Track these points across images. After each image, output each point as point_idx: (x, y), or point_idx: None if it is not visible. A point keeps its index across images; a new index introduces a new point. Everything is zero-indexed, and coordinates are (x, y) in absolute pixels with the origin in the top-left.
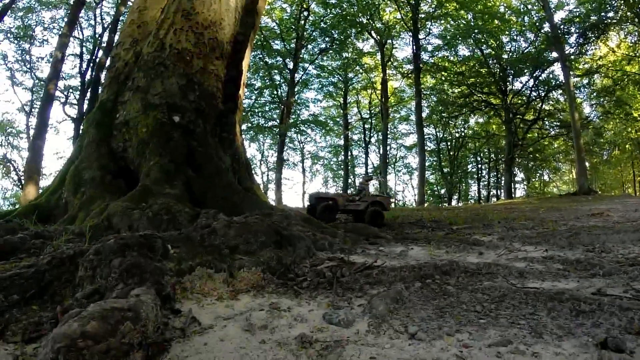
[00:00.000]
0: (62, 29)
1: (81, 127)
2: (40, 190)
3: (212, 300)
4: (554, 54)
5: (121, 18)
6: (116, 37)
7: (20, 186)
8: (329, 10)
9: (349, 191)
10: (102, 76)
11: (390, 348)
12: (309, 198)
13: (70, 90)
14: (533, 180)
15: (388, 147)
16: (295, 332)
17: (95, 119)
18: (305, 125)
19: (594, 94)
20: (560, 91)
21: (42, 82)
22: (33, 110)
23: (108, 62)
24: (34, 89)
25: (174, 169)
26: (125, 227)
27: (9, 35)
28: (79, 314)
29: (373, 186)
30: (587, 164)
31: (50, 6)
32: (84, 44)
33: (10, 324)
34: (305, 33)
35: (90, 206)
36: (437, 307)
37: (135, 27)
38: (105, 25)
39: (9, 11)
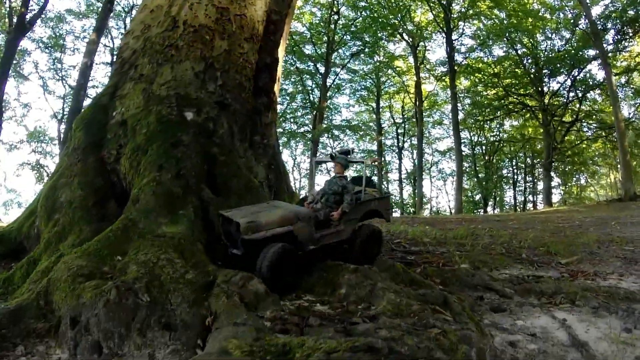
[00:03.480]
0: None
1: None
2: None
3: None
4: (592, 52)
5: None
6: None
7: None
8: (359, 13)
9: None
10: None
11: None
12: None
13: None
14: (570, 184)
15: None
16: None
17: (84, 119)
18: (339, 130)
19: (632, 93)
20: (598, 91)
21: (73, 90)
22: (64, 118)
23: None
24: (65, 97)
25: (181, 189)
26: (68, 316)
27: (40, 44)
28: None
29: (355, 171)
30: None
31: (80, 16)
32: (114, 52)
33: None
34: (336, 37)
35: (62, 242)
36: None
37: (148, 11)
38: None
39: (40, 21)
